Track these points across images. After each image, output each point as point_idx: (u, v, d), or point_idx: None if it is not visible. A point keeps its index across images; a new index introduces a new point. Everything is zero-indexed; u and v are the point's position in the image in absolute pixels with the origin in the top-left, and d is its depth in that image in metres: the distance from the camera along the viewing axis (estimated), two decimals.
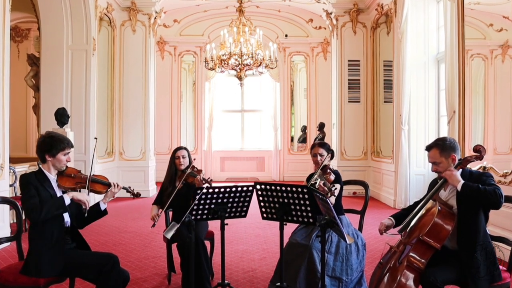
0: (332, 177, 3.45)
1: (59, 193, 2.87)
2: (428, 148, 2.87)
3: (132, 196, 3.20)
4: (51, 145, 2.81)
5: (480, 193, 2.57)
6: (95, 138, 3.27)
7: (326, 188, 3.21)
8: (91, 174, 2.99)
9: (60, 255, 2.76)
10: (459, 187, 2.64)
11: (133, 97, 9.34)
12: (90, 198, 2.85)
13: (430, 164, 2.91)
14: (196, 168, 3.95)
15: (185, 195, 3.78)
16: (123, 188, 3.12)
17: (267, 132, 12.57)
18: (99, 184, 3.03)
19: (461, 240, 2.66)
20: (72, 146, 2.92)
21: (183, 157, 3.99)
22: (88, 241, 3.09)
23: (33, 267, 2.69)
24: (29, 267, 2.70)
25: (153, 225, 3.73)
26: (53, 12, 7.56)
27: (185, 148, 4.11)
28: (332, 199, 3.26)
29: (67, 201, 2.73)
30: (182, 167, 3.98)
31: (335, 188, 3.23)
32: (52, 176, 2.87)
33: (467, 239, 2.66)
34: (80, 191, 2.97)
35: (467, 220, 2.66)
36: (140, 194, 3.23)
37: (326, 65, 11.55)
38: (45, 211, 2.64)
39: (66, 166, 2.91)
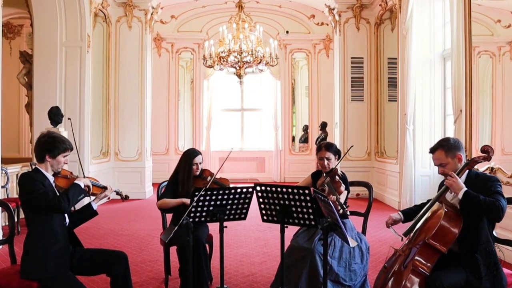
0: (343, 188, 3.29)
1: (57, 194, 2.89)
2: (432, 150, 2.87)
3: (121, 198, 3.26)
4: (54, 145, 2.84)
5: (480, 204, 2.59)
6: (69, 119, 3.29)
7: (337, 203, 3.04)
8: (84, 176, 3.04)
9: (66, 252, 2.81)
10: (460, 195, 2.65)
11: (129, 95, 9.34)
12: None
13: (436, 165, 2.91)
14: (213, 173, 3.88)
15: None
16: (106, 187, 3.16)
17: (267, 131, 12.57)
18: (95, 186, 3.07)
19: (462, 240, 2.67)
20: (72, 149, 2.96)
21: (200, 163, 3.89)
22: (84, 244, 3.10)
23: (38, 267, 2.69)
24: (32, 267, 2.70)
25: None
26: (46, 8, 7.55)
27: (200, 153, 3.98)
28: (341, 211, 3.08)
29: (82, 185, 2.84)
30: (197, 173, 3.90)
31: (347, 206, 3.09)
32: (50, 176, 2.89)
33: (468, 240, 2.67)
34: None
35: (470, 222, 2.67)
36: (128, 197, 3.29)
37: (329, 63, 11.54)
38: (71, 198, 2.72)
39: (62, 167, 2.94)
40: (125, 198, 3.27)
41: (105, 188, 3.09)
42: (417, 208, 3.01)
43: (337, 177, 3.29)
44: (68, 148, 2.90)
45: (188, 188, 3.81)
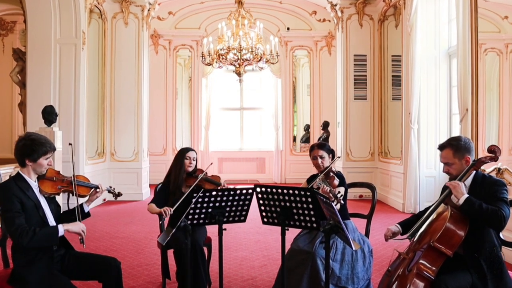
0: (336, 181, 3.41)
1: (42, 200, 2.84)
2: (441, 147, 2.88)
3: (113, 196, 3.21)
4: (32, 149, 2.74)
5: (481, 212, 2.59)
6: (70, 144, 3.11)
7: (331, 195, 3.15)
8: (75, 178, 2.95)
9: (48, 267, 2.74)
10: (461, 201, 2.65)
11: (125, 94, 9.33)
12: (85, 227, 2.83)
13: (442, 166, 2.91)
14: (206, 172, 3.91)
15: (190, 201, 3.69)
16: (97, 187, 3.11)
17: (267, 131, 12.57)
18: (83, 187, 3.03)
19: (465, 242, 2.67)
20: (54, 149, 2.86)
21: (194, 159, 3.96)
22: (78, 247, 3.10)
23: (20, 280, 2.66)
24: (16, 278, 2.69)
25: (163, 219, 3.61)
26: (40, 4, 7.54)
27: (194, 150, 4.08)
28: (338, 206, 3.23)
29: (61, 233, 2.70)
30: (190, 169, 3.95)
31: (340, 195, 3.19)
32: (33, 182, 2.82)
33: (472, 242, 2.67)
34: (68, 195, 2.96)
35: (474, 223, 2.66)
36: (121, 194, 3.26)
37: (331, 60, 11.55)
38: (35, 240, 2.59)
39: (46, 169, 2.88)
40: (118, 195, 3.23)
41: (95, 188, 3.04)
42: (415, 218, 2.98)
43: (331, 173, 3.41)
44: (49, 150, 2.79)
45: (179, 184, 3.88)
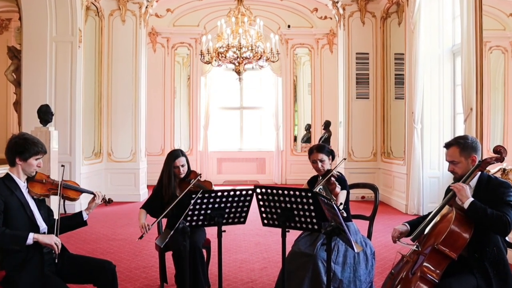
0: (338, 188, 3.37)
1: (30, 201, 2.87)
2: (447, 145, 2.87)
3: (104, 203, 3.21)
4: (25, 147, 2.80)
5: (486, 218, 2.58)
6: (62, 166, 3.15)
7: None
8: (62, 180, 2.99)
9: (40, 269, 2.74)
10: (466, 205, 2.64)
11: (122, 93, 9.33)
12: (59, 241, 2.76)
13: (445, 166, 2.91)
14: (200, 175, 3.87)
15: (185, 204, 3.67)
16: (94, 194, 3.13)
17: (268, 131, 12.56)
18: (73, 190, 3.06)
19: (470, 244, 2.66)
20: (45, 152, 2.92)
21: (183, 166, 3.90)
22: (74, 249, 3.12)
23: (12, 282, 2.67)
24: (8, 281, 2.69)
25: (141, 237, 3.50)
26: (35, 1, 7.54)
27: (182, 153, 3.98)
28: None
29: (29, 242, 2.66)
30: (182, 176, 3.91)
31: (343, 207, 3.14)
32: (22, 183, 2.86)
33: (476, 244, 2.66)
34: (60, 200, 2.97)
35: (479, 226, 2.65)
36: (112, 201, 3.27)
37: (332, 59, 11.54)
38: (1, 240, 2.62)
39: (36, 172, 2.92)
40: (108, 201, 3.23)
41: (84, 192, 3.06)
42: (423, 219, 2.96)
43: (332, 178, 3.35)
44: (40, 151, 2.86)
45: (171, 192, 3.86)
